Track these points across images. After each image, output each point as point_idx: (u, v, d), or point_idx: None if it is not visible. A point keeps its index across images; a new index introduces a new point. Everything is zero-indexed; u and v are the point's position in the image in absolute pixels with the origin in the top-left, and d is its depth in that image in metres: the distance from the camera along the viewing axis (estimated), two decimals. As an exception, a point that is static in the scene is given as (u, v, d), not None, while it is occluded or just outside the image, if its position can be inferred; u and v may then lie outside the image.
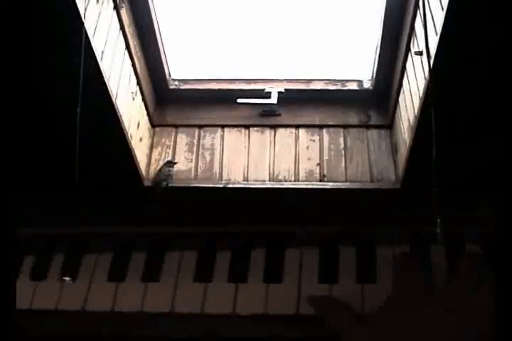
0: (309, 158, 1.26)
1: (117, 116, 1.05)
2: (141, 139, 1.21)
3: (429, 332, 0.80)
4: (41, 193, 1.15)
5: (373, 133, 1.29)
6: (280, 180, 1.23)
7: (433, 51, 0.85)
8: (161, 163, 1.26)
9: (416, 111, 1.04)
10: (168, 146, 1.29)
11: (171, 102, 1.35)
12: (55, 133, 1.02)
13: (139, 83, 1.20)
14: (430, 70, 0.85)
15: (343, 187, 1.20)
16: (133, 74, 1.17)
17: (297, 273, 1.09)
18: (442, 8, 0.82)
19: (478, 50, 0.84)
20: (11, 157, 0.74)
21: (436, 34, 0.85)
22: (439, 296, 0.88)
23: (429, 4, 0.90)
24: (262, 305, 1.06)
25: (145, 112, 1.27)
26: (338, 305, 0.99)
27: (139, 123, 1.20)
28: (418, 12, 1.01)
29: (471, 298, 0.85)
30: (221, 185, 1.22)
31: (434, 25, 0.87)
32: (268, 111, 1.31)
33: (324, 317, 0.95)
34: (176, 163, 1.22)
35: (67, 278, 1.11)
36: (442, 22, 0.82)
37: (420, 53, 1.02)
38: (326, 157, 1.26)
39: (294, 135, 1.30)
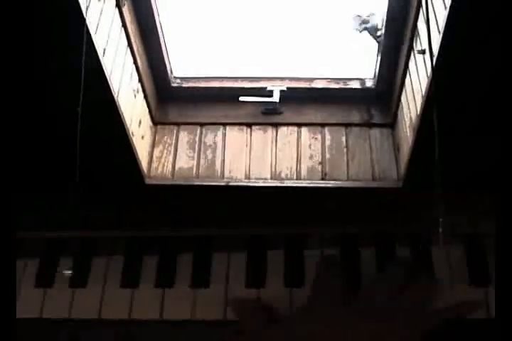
0: (311, 157, 1.25)
1: (119, 113, 1.05)
2: (142, 137, 1.21)
3: (342, 333, 0.79)
4: (41, 193, 1.14)
5: (375, 132, 1.28)
6: (282, 179, 1.23)
7: (436, 49, 0.85)
8: (163, 160, 1.26)
9: (418, 109, 1.03)
10: (169, 144, 1.29)
11: (172, 100, 1.34)
12: (55, 132, 1.02)
13: (140, 80, 1.20)
14: (433, 69, 0.85)
15: (345, 185, 1.20)
16: (135, 71, 1.17)
17: (224, 278, 1.08)
18: (445, 7, 0.82)
19: (482, 48, 0.84)
20: (11, 157, 0.74)
21: (439, 32, 0.84)
22: (360, 298, 0.87)
23: (432, 2, 0.90)
24: (189, 310, 1.05)
25: (147, 110, 1.26)
26: (256, 306, 0.98)
27: (140, 121, 1.20)
28: (421, 10, 1.01)
29: (394, 301, 0.85)
30: (223, 183, 1.22)
31: (437, 23, 0.87)
32: (270, 110, 1.31)
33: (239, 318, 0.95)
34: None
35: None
36: (445, 20, 0.81)
37: (423, 52, 1.01)
38: (327, 155, 1.25)
39: (295, 133, 1.29)
